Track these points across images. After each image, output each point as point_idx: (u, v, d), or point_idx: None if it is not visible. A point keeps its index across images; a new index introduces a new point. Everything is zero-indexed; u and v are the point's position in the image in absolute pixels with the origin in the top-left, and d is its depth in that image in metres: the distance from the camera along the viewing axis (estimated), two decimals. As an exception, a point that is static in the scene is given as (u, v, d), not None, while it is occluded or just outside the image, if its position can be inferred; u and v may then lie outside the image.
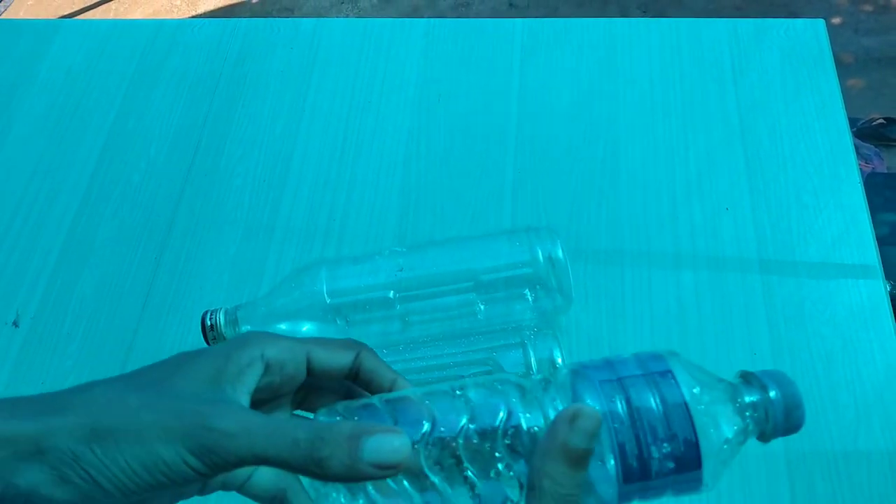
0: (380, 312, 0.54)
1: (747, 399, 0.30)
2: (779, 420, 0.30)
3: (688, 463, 0.29)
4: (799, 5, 1.84)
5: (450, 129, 0.70)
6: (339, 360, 0.32)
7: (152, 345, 0.60)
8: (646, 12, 1.87)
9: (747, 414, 0.30)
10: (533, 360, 0.47)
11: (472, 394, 0.30)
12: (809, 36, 0.74)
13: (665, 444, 0.29)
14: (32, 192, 0.69)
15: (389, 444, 0.27)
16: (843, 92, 0.70)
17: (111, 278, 0.63)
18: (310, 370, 0.32)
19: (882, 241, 0.62)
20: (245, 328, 0.55)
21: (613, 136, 0.68)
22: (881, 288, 0.59)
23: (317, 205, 0.66)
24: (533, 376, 0.31)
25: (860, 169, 0.66)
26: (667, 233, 0.63)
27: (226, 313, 0.54)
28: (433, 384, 0.32)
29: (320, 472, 0.27)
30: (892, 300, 0.60)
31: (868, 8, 1.83)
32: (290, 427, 0.27)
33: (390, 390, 0.33)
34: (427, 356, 0.49)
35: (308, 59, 0.76)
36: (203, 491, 0.32)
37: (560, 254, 0.51)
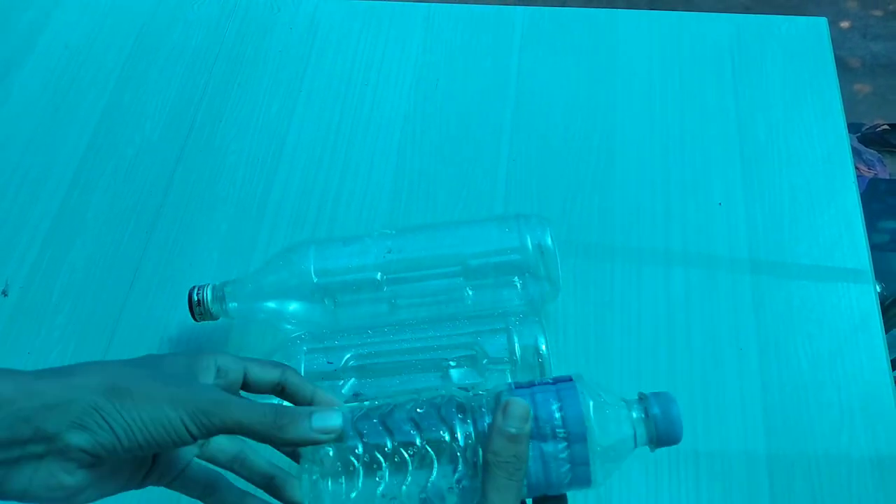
0: (367, 294, 0.54)
1: (634, 414, 0.37)
2: (660, 432, 0.37)
3: (577, 457, 0.36)
4: (808, 8, 1.83)
5: (446, 115, 0.70)
6: (269, 375, 0.40)
7: (140, 319, 0.60)
8: (653, 8, 1.86)
9: (634, 425, 0.37)
10: (517, 346, 0.47)
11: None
12: (811, 35, 0.73)
13: (561, 438, 0.36)
14: (26, 163, 0.69)
15: (330, 416, 0.36)
16: (849, 97, 0.70)
17: (101, 251, 0.63)
18: (245, 382, 0.39)
19: (883, 248, 0.61)
20: (232, 305, 0.55)
21: (610, 128, 0.68)
22: (872, 293, 0.59)
23: (309, 186, 0.66)
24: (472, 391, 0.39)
25: (863, 175, 0.65)
26: (659, 228, 0.63)
27: (213, 289, 0.54)
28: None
29: (280, 436, 0.34)
30: (881, 302, 0.60)
31: (877, 13, 1.82)
32: (258, 404, 0.35)
33: (311, 401, 0.40)
34: (412, 339, 0.49)
35: (307, 40, 0.75)
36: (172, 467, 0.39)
37: (549, 241, 0.51)
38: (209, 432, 0.34)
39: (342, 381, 0.48)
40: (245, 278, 0.55)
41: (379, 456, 0.37)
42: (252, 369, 0.39)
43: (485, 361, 0.48)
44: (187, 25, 0.77)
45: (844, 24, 1.81)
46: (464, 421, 0.37)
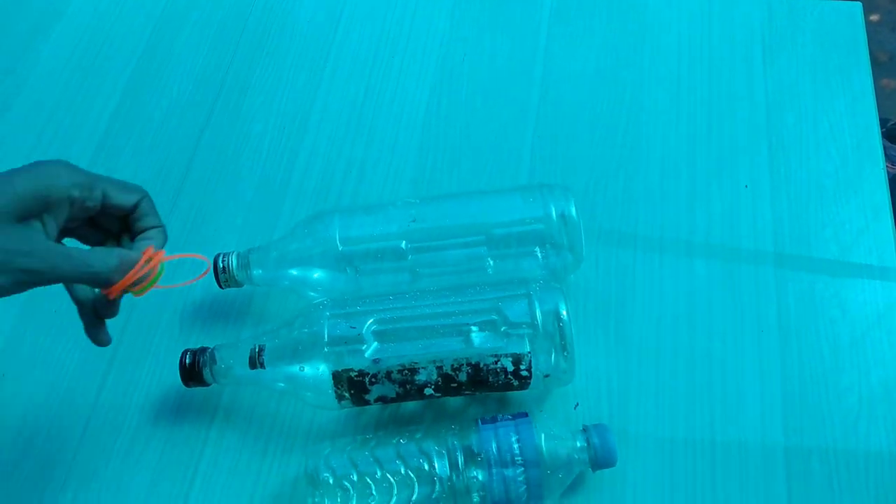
0: (390, 264, 0.54)
1: (578, 444, 0.48)
2: (598, 458, 0.47)
3: (532, 480, 0.46)
4: None
5: (472, 89, 0.70)
6: (127, 199, 0.42)
7: (165, 282, 0.60)
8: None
9: (578, 453, 0.47)
10: (538, 311, 0.48)
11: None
12: (845, 20, 0.72)
13: (519, 464, 0.46)
14: (54, 124, 0.69)
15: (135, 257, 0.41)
16: (875, 91, 0.69)
17: (127, 214, 0.64)
18: (102, 205, 0.41)
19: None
20: (257, 272, 0.55)
21: (637, 108, 0.68)
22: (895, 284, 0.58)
23: (334, 157, 0.66)
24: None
25: (886, 170, 0.65)
26: (683, 210, 0.62)
27: (238, 256, 0.55)
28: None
29: (92, 280, 0.39)
30: None
31: (908, 6, 1.79)
32: (74, 251, 0.39)
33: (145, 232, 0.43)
34: (433, 304, 0.49)
35: (335, 12, 0.75)
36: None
37: (573, 211, 0.51)
38: (26, 284, 0.37)
39: (365, 345, 0.48)
40: (269, 246, 0.56)
41: (369, 481, 0.46)
42: (110, 191, 0.41)
43: (503, 329, 0.48)
44: (217, -6, 0.77)
45: (874, 18, 1.78)
46: (440, 454, 0.46)
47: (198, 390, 0.54)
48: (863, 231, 0.61)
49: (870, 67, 0.70)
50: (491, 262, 0.53)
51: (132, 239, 0.44)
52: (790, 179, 0.64)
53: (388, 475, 0.46)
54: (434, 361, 0.48)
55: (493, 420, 0.48)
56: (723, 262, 0.60)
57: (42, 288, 0.60)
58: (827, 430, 0.53)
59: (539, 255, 0.53)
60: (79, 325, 0.59)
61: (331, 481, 0.46)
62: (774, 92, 0.68)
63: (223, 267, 0.55)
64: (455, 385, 0.49)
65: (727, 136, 0.66)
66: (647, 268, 0.60)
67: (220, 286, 0.55)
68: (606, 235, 0.61)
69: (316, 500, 0.46)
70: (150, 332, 0.58)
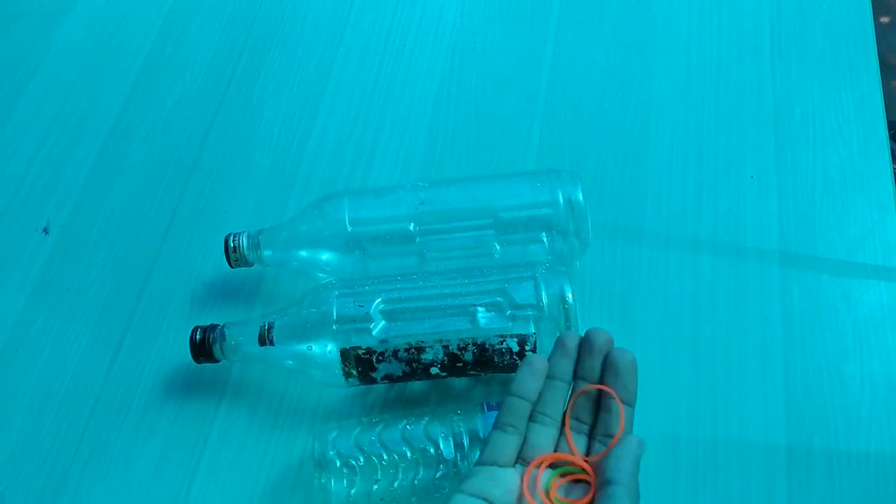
0: (399, 247, 0.55)
1: None
2: None
3: None
4: (847, -2, 1.79)
5: (482, 77, 0.70)
6: None
7: (175, 261, 0.61)
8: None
9: None
10: (544, 294, 0.48)
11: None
12: (854, 13, 0.72)
13: None
14: (69, 107, 0.70)
15: None
16: (885, 94, 0.68)
17: (140, 195, 0.65)
18: None
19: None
20: (267, 252, 0.56)
21: (645, 98, 0.68)
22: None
23: (344, 142, 0.67)
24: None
25: (893, 172, 0.64)
26: (689, 202, 0.62)
27: (249, 237, 0.56)
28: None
29: None
30: None
31: (919, 7, 1.78)
32: None
33: None
34: (441, 285, 0.50)
35: (347, -1, 0.76)
36: None
37: (580, 197, 0.52)
38: None
39: (373, 324, 0.49)
40: (279, 226, 0.57)
41: (376, 462, 0.46)
42: None
43: (508, 313, 0.49)
44: (229, -20, 0.78)
45: (884, 20, 1.77)
46: (445, 437, 0.47)
47: (207, 368, 0.55)
48: (868, 230, 0.61)
49: (878, 64, 0.70)
50: (497, 247, 0.54)
51: None
52: (797, 175, 0.63)
53: (395, 457, 0.46)
54: (440, 340, 0.49)
55: (498, 405, 0.48)
56: (728, 258, 0.60)
57: (53, 266, 0.61)
58: (830, 428, 0.52)
59: (545, 240, 0.53)
60: (91, 301, 0.60)
61: (337, 463, 0.47)
62: (782, 86, 0.68)
63: (234, 247, 0.55)
64: (461, 365, 0.50)
65: (734, 128, 0.66)
66: (652, 262, 0.60)
67: (231, 266, 0.56)
68: (612, 225, 0.61)
69: (322, 480, 0.47)
70: (160, 311, 0.59)
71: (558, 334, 0.44)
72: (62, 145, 0.68)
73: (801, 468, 0.51)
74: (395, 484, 0.46)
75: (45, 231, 0.63)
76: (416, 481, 0.46)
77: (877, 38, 0.72)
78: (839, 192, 0.63)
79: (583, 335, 0.43)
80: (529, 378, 0.42)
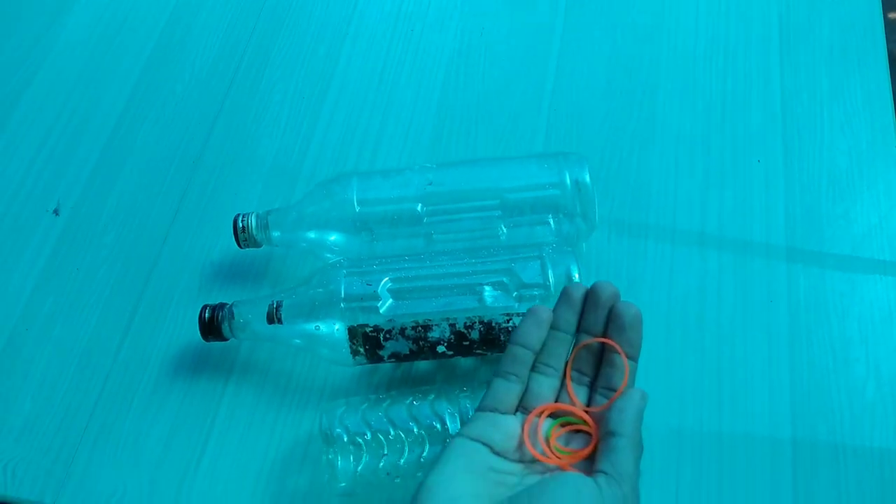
0: (406, 228, 0.55)
1: None
2: None
3: None
4: (856, -7, 1.78)
5: (489, 62, 0.70)
6: None
7: (185, 242, 0.62)
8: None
9: None
10: (551, 273, 0.48)
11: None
12: (862, 4, 0.72)
13: None
14: (80, 90, 0.71)
15: None
16: (893, 91, 0.68)
17: (149, 177, 0.66)
18: None
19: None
20: (275, 233, 0.56)
21: (653, 86, 0.68)
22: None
23: (352, 126, 0.68)
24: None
25: None
26: (696, 192, 0.62)
27: (257, 217, 0.56)
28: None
29: None
30: None
31: (928, 3, 1.77)
32: None
33: None
34: (448, 264, 0.50)
35: (355, -15, 0.76)
36: None
37: (587, 178, 0.52)
38: None
39: (380, 302, 0.49)
40: (288, 207, 0.57)
41: (382, 439, 0.47)
42: None
43: (515, 293, 0.49)
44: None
45: (893, 16, 1.77)
46: (452, 415, 0.47)
47: (215, 347, 0.56)
48: (875, 225, 0.61)
49: (886, 57, 0.69)
50: (504, 230, 0.54)
51: None
52: (804, 167, 0.63)
53: (401, 433, 0.47)
54: (447, 319, 0.49)
55: None
56: (734, 249, 0.60)
57: (64, 247, 0.62)
58: (835, 421, 0.52)
59: (552, 223, 0.53)
60: (100, 281, 0.61)
61: (345, 439, 0.47)
62: (790, 77, 0.68)
63: (242, 227, 0.56)
64: (467, 343, 0.50)
65: (741, 119, 0.66)
66: (657, 252, 0.60)
67: (240, 246, 0.57)
68: (618, 212, 0.61)
69: (329, 456, 0.47)
70: (169, 291, 0.60)
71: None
72: (73, 127, 0.69)
73: (807, 460, 0.51)
74: (402, 460, 0.47)
75: (56, 213, 0.64)
76: (422, 457, 0.46)
77: (887, 35, 0.71)
78: (846, 185, 0.62)
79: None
80: (534, 328, 0.42)
